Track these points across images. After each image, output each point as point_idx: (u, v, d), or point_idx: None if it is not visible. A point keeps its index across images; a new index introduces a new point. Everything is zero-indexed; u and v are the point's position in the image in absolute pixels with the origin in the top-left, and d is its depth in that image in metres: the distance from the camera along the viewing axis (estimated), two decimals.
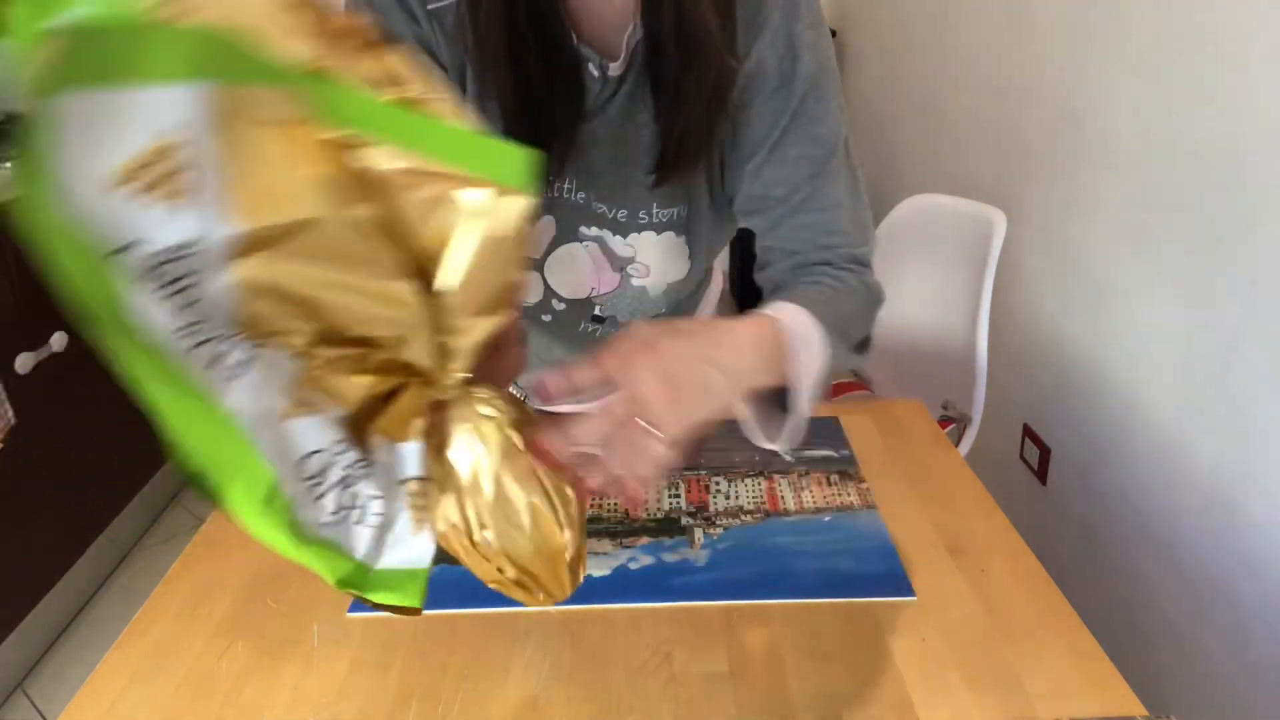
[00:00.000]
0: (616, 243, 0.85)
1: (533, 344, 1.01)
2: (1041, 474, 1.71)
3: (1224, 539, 1.19)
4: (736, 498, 0.84)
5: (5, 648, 1.72)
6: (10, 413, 1.69)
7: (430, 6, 0.71)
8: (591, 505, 0.84)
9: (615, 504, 0.84)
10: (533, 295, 0.91)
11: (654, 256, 0.87)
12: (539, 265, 0.89)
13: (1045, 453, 1.70)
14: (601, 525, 0.81)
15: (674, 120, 0.74)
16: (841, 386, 1.62)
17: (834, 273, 0.78)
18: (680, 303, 0.94)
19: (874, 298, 0.78)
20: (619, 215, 0.82)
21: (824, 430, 0.96)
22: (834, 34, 2.82)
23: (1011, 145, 1.76)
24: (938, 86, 2.13)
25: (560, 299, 0.91)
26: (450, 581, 0.75)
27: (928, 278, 1.61)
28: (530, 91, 0.71)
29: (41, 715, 1.70)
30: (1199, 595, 1.24)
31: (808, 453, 0.92)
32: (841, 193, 0.80)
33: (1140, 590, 1.36)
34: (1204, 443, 1.23)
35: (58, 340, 1.83)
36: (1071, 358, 1.57)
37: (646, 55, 0.73)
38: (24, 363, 1.73)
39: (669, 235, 0.85)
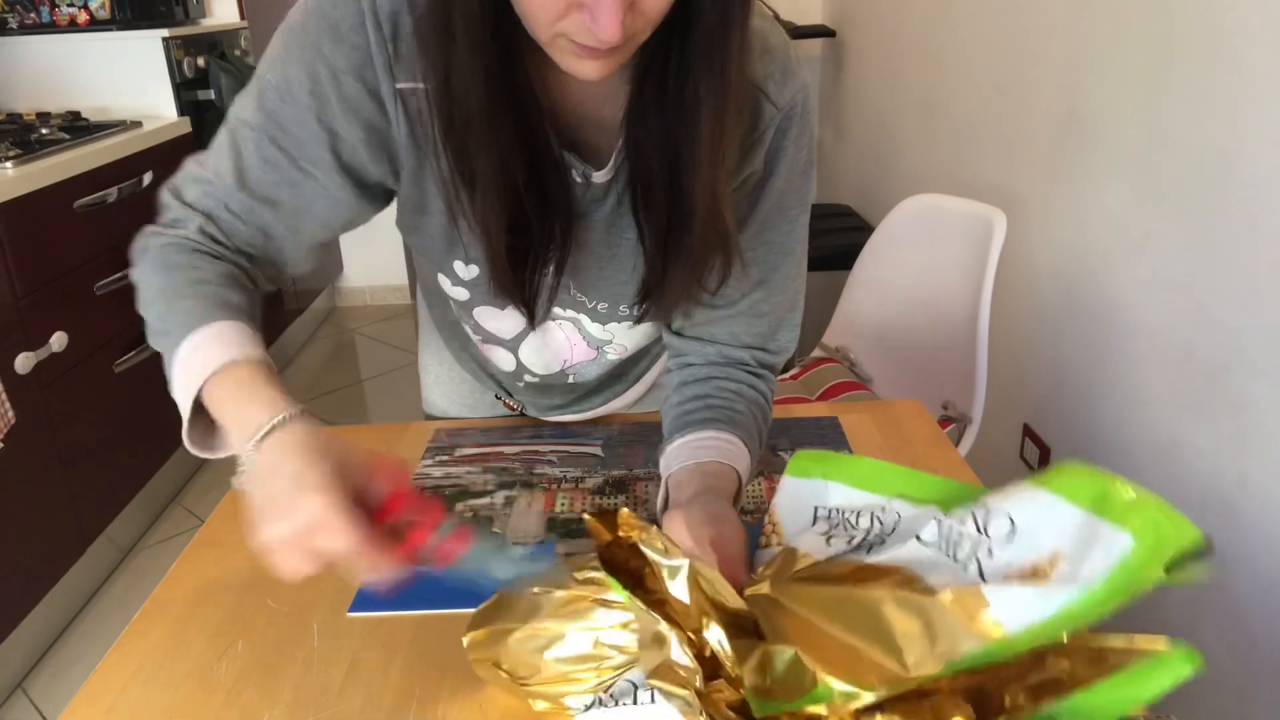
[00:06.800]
0: (594, 328, 0.83)
1: (515, 392, 1.00)
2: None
3: (1224, 539, 1.19)
4: None
5: (5, 648, 1.72)
6: (10, 413, 1.69)
7: (400, 86, 0.64)
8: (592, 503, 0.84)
9: (614, 503, 0.84)
10: (505, 365, 0.90)
11: (632, 339, 0.86)
12: (512, 346, 0.86)
13: (1045, 453, 1.70)
14: None
15: (658, 259, 0.70)
16: (841, 386, 1.62)
17: (747, 377, 0.81)
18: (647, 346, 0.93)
19: (769, 412, 0.83)
20: (599, 306, 0.80)
21: (824, 430, 0.96)
22: (834, 34, 2.82)
23: (1011, 145, 1.76)
24: (938, 86, 2.13)
25: (533, 374, 0.90)
26: (449, 582, 0.75)
27: (928, 278, 1.61)
28: (513, 194, 0.65)
29: (41, 715, 1.70)
30: (1199, 595, 1.24)
31: None
32: (781, 301, 0.80)
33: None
34: (1204, 443, 1.23)
35: (58, 340, 1.83)
36: (1071, 358, 1.57)
37: (633, 170, 0.68)
38: (24, 363, 1.73)
39: (647, 325, 0.84)
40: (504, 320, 0.82)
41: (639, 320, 0.80)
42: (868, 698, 0.46)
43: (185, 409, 0.62)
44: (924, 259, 1.62)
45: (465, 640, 0.62)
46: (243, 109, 0.68)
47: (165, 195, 0.72)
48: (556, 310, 0.81)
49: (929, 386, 1.53)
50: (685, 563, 0.55)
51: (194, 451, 0.65)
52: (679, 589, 0.54)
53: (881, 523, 0.61)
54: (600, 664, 0.59)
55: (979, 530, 0.54)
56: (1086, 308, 1.53)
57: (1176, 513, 0.47)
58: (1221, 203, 1.16)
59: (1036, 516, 0.52)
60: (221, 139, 0.69)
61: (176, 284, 0.66)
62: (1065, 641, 0.48)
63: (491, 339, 0.86)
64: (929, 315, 1.60)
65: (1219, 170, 1.16)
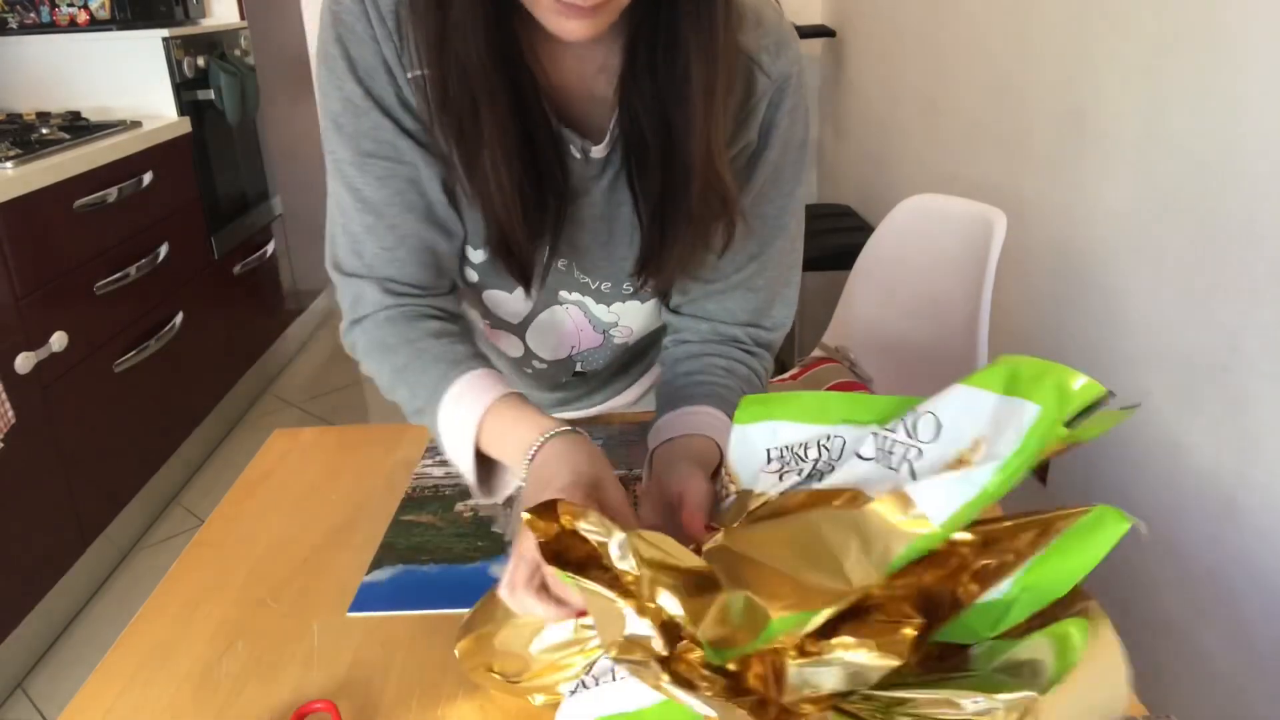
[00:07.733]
0: (600, 310, 0.83)
1: (514, 385, 1.00)
2: (1041, 474, 1.71)
3: (1224, 538, 1.19)
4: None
5: (5, 648, 1.72)
6: (10, 413, 1.69)
7: (411, 75, 0.67)
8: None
9: None
10: (513, 351, 0.90)
11: (638, 320, 0.86)
12: (519, 331, 0.87)
13: None
14: None
15: (654, 226, 0.72)
16: (841, 386, 1.62)
17: (741, 355, 0.81)
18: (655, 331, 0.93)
19: (761, 390, 0.82)
20: (602, 286, 0.80)
21: None
22: (834, 34, 2.82)
23: (1011, 145, 1.76)
24: (938, 87, 2.13)
25: (541, 360, 0.90)
26: (450, 582, 0.75)
27: (928, 278, 1.61)
28: (515, 172, 0.67)
29: (41, 715, 1.70)
30: (1199, 595, 1.24)
31: None
32: (775, 277, 0.80)
33: (1140, 589, 1.36)
34: (1204, 443, 1.23)
35: (58, 340, 1.84)
36: (1071, 358, 1.57)
37: (628, 140, 0.70)
38: (24, 363, 1.73)
39: (653, 303, 0.84)
40: (512, 303, 0.83)
41: (638, 291, 0.81)
42: (816, 620, 0.46)
43: (468, 468, 0.67)
44: (924, 259, 1.62)
45: (456, 651, 0.62)
46: (334, 150, 0.70)
47: (332, 274, 0.75)
48: (563, 294, 0.82)
49: (929, 386, 1.52)
50: (621, 536, 0.54)
51: (483, 498, 0.70)
52: (623, 562, 0.54)
53: (828, 449, 0.61)
54: (584, 646, 0.59)
55: (909, 435, 0.55)
56: (1086, 308, 1.53)
57: (1080, 374, 0.49)
58: (1221, 202, 1.16)
59: (958, 410, 0.53)
60: (335, 188, 0.71)
61: (402, 362, 0.71)
62: (1002, 522, 0.50)
63: (500, 324, 0.87)
64: (929, 315, 1.60)
65: (1219, 170, 1.16)
